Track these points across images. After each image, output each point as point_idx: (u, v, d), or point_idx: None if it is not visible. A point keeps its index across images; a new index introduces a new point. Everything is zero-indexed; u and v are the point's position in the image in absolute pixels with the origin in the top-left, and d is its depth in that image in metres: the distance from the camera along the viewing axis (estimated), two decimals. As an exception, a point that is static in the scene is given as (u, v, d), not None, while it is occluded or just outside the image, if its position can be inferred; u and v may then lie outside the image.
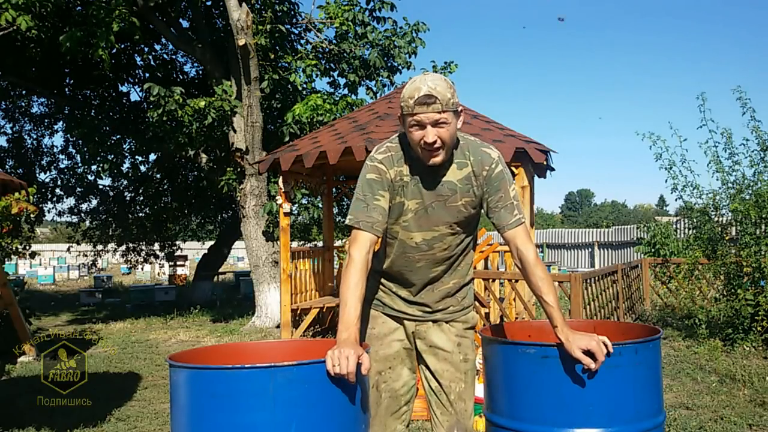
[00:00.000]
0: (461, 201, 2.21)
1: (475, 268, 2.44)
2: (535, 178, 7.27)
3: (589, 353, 1.90)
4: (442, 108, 2.04)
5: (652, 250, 13.50)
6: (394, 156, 2.20)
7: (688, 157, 8.11)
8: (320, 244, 11.16)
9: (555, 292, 2.12)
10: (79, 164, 13.43)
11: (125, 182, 13.97)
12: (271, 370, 1.75)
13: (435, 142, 2.06)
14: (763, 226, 7.08)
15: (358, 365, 1.81)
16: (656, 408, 2.04)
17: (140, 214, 14.45)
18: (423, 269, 2.29)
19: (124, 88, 13.02)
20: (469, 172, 2.19)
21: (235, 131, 9.53)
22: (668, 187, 7.71)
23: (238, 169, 9.55)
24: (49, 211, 14.95)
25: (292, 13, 11.01)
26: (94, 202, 14.39)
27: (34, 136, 14.39)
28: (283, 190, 7.70)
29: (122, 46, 11.26)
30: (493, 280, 6.61)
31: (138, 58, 12.35)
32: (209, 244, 17.42)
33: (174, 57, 12.84)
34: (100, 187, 14.08)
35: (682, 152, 7.94)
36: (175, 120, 9.19)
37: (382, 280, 2.37)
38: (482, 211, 2.27)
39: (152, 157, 12.90)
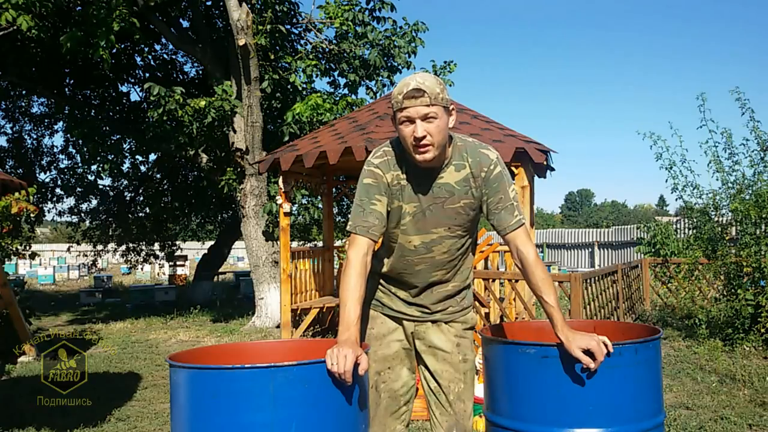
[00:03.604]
0: (460, 203, 2.20)
1: (475, 268, 2.44)
2: (535, 178, 7.26)
3: (588, 353, 1.90)
4: (431, 101, 2.05)
5: (652, 250, 13.50)
6: (391, 160, 2.21)
7: (688, 157, 8.13)
8: (320, 244, 11.16)
9: (555, 292, 2.12)
10: (79, 164, 13.43)
11: (125, 182, 13.98)
12: (271, 370, 1.75)
13: (424, 136, 2.06)
14: (763, 226, 7.08)
15: (356, 365, 1.81)
16: (656, 408, 2.05)
17: (140, 214, 14.45)
18: (423, 272, 2.29)
19: (124, 88, 13.03)
20: (468, 174, 2.19)
21: (235, 131, 9.53)
22: (668, 187, 7.75)
23: (238, 169, 9.55)
24: (49, 211, 14.97)
25: (292, 13, 11.01)
26: (94, 202, 14.40)
27: (34, 136, 14.41)
28: (283, 190, 7.70)
29: (122, 46, 11.25)
30: (493, 280, 6.61)
31: (138, 58, 12.35)
32: (209, 244, 17.42)
33: (174, 57, 12.86)
34: (100, 187, 14.07)
35: (682, 152, 7.95)
36: (175, 120, 9.19)
37: (382, 281, 2.38)
38: (481, 213, 2.26)
39: (152, 157, 12.92)
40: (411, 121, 2.07)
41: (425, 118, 2.05)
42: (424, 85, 2.05)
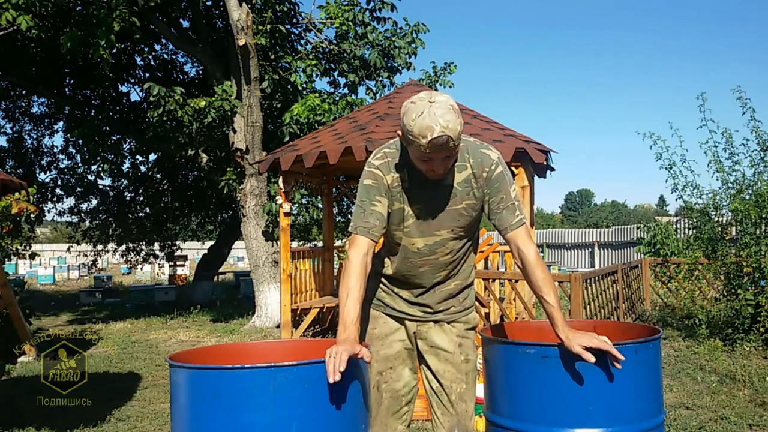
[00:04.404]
0: (462, 204, 2.20)
1: (475, 268, 2.43)
2: (535, 178, 7.27)
3: (590, 350, 1.90)
4: (454, 144, 1.99)
5: (652, 250, 13.50)
6: (392, 162, 2.20)
7: (688, 157, 8.13)
8: (320, 244, 11.16)
9: (556, 291, 2.12)
10: (79, 164, 13.43)
11: (125, 182, 13.97)
12: (271, 370, 1.75)
13: (442, 171, 2.06)
14: (763, 226, 7.08)
15: (356, 362, 1.82)
16: (656, 408, 2.05)
17: (140, 214, 14.45)
18: (426, 274, 2.29)
19: (124, 88, 13.05)
20: (469, 174, 2.19)
21: (235, 131, 9.53)
22: (668, 187, 7.76)
23: (238, 169, 9.55)
24: (49, 211, 14.97)
25: (292, 13, 11.01)
26: (94, 202, 14.41)
27: (34, 136, 14.42)
28: (283, 190, 7.70)
29: (122, 46, 11.26)
30: (493, 280, 6.61)
31: (138, 58, 12.36)
32: (209, 244, 17.42)
33: (174, 57, 12.86)
34: (100, 187, 14.08)
35: (682, 152, 7.95)
36: (175, 120, 9.19)
37: (384, 281, 2.38)
38: (483, 212, 2.26)
39: (152, 157, 12.93)
40: (432, 160, 2.03)
41: (447, 157, 2.04)
42: (448, 129, 1.94)
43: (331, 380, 1.75)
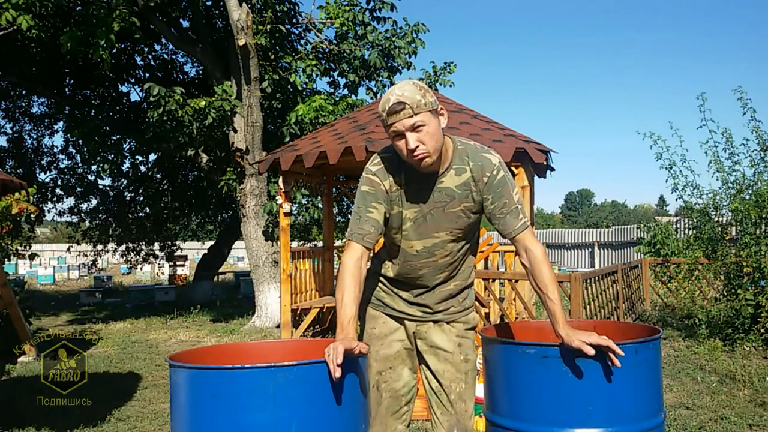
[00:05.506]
0: (460, 207, 2.21)
1: (475, 268, 2.44)
2: (535, 178, 7.26)
3: (592, 346, 1.90)
4: (413, 111, 2.04)
5: (652, 250, 13.50)
6: (389, 166, 2.21)
7: (688, 157, 8.13)
8: (320, 244, 11.17)
9: (559, 290, 2.13)
10: (79, 164, 13.44)
11: (125, 182, 13.98)
12: (272, 370, 1.75)
13: (417, 146, 2.06)
14: (763, 226, 7.08)
15: (356, 361, 1.82)
16: (656, 408, 2.05)
17: (140, 214, 14.46)
18: (426, 276, 2.30)
19: (124, 88, 13.03)
20: (468, 178, 2.20)
21: (235, 131, 9.53)
22: (668, 187, 7.76)
23: (238, 169, 9.56)
24: (49, 211, 14.97)
25: (292, 13, 11.01)
26: (94, 202, 14.41)
27: (34, 136, 14.41)
28: (283, 190, 7.70)
29: (122, 46, 11.26)
30: (493, 280, 6.60)
31: (138, 58, 12.36)
32: (209, 244, 17.42)
33: (174, 57, 12.86)
34: (100, 187, 14.08)
35: (682, 152, 7.96)
36: (175, 120, 9.19)
37: (384, 281, 2.38)
38: (483, 215, 2.27)
39: (152, 157, 12.93)
40: (400, 134, 2.08)
41: (413, 128, 2.05)
42: (403, 96, 2.04)
43: (336, 376, 1.75)
